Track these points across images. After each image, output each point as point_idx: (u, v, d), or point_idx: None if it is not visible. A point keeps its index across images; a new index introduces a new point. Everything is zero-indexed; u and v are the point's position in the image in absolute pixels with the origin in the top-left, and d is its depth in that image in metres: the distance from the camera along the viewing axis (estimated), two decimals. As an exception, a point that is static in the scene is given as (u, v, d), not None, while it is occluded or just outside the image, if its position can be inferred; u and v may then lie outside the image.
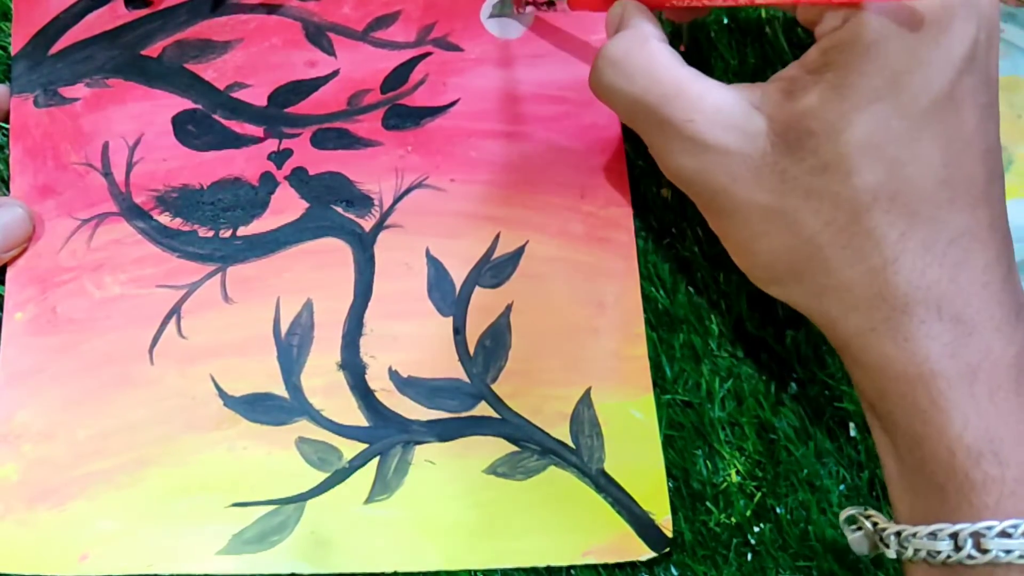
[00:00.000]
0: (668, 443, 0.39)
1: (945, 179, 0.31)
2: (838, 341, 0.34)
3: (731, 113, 0.33)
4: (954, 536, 0.30)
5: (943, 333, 0.31)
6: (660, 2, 0.37)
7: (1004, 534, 0.29)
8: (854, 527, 0.34)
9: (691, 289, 0.41)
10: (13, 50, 0.42)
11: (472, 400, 0.40)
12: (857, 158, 0.31)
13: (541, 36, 0.44)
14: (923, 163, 0.31)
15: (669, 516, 0.38)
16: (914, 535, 0.31)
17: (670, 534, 0.38)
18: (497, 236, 0.42)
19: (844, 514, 0.35)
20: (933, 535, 0.31)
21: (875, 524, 0.34)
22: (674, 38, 0.43)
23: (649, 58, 0.35)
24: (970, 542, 0.30)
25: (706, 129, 0.33)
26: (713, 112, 0.33)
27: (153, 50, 0.43)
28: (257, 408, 0.39)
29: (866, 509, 0.34)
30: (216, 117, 0.42)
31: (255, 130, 0.42)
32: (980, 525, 0.30)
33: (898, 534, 0.32)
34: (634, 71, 0.35)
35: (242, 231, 0.41)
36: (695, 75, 0.34)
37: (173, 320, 0.40)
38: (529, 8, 0.43)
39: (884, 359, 0.32)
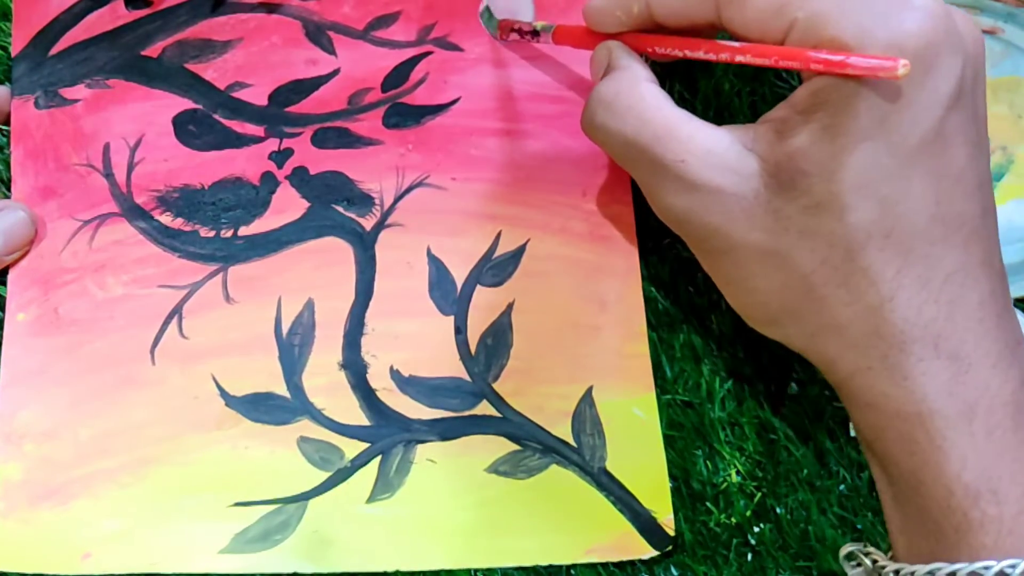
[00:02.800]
0: (668, 443, 0.40)
1: (938, 216, 0.31)
2: (835, 380, 0.34)
3: (723, 154, 0.33)
4: None
5: (941, 371, 0.31)
6: (641, 47, 0.37)
7: (1002, 574, 0.29)
8: (854, 563, 0.35)
9: (691, 289, 0.41)
10: (13, 51, 0.42)
11: (473, 399, 0.40)
12: (850, 197, 0.31)
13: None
14: (915, 200, 0.31)
15: (671, 515, 0.39)
16: (912, 574, 0.31)
17: (672, 533, 0.38)
18: (498, 235, 0.42)
19: (844, 550, 0.35)
20: (931, 574, 0.31)
21: (874, 562, 0.34)
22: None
23: (640, 99, 0.35)
24: None
25: (698, 170, 0.33)
26: (705, 153, 0.33)
27: (153, 50, 0.43)
28: (259, 408, 0.39)
29: (865, 546, 0.34)
30: (217, 117, 0.42)
31: (256, 130, 0.42)
32: (978, 565, 0.29)
33: (896, 572, 0.32)
34: (625, 112, 0.35)
35: (243, 231, 0.41)
36: (686, 116, 0.34)
37: (175, 320, 0.40)
38: (512, 36, 0.43)
39: (881, 397, 0.32)
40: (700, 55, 0.35)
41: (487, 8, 0.44)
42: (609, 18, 0.37)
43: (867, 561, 0.34)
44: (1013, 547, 0.29)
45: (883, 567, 0.33)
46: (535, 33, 0.42)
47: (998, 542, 0.30)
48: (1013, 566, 0.29)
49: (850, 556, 0.35)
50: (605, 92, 0.36)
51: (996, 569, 0.29)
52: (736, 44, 0.33)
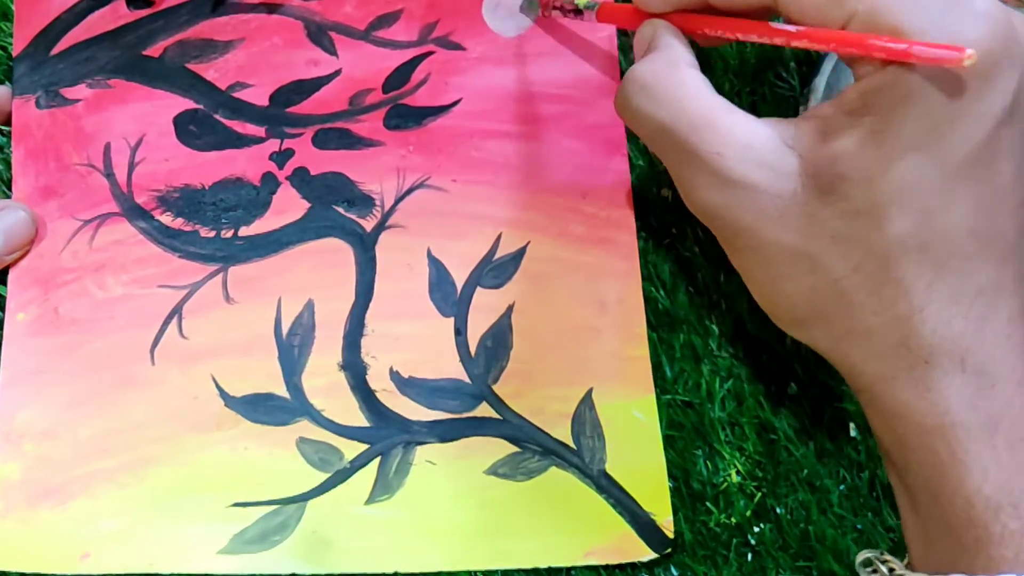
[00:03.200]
0: (668, 443, 0.40)
1: (976, 231, 0.30)
2: (858, 386, 0.33)
3: (762, 149, 0.32)
4: None
5: (965, 385, 0.30)
6: (692, 28, 0.36)
7: None
8: (870, 569, 0.34)
9: (691, 289, 0.41)
10: (14, 51, 0.42)
11: (473, 401, 0.40)
12: (890, 206, 0.30)
13: (543, 34, 0.44)
14: (955, 215, 0.30)
15: (671, 517, 0.38)
16: None
17: (672, 535, 0.38)
18: (499, 236, 0.42)
19: (860, 557, 0.35)
20: None
21: (891, 570, 0.33)
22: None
23: (680, 84, 0.34)
24: None
25: (735, 164, 0.32)
26: (743, 147, 0.32)
27: (154, 50, 0.43)
28: (258, 408, 0.39)
29: (882, 554, 0.34)
30: (218, 117, 0.42)
31: (257, 130, 0.42)
32: None
33: None
34: (663, 97, 0.34)
35: (244, 231, 0.41)
36: (727, 106, 0.33)
37: (174, 320, 0.40)
38: (555, 13, 0.42)
39: (904, 408, 0.31)
40: (753, 38, 0.34)
41: None
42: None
43: (884, 568, 0.33)
44: None
45: (900, 575, 0.33)
46: (578, 11, 0.41)
47: (1019, 556, 0.29)
48: None
49: (867, 563, 0.34)
50: (643, 73, 0.34)
51: None
52: (792, 28, 0.32)
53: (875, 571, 0.34)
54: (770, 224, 0.32)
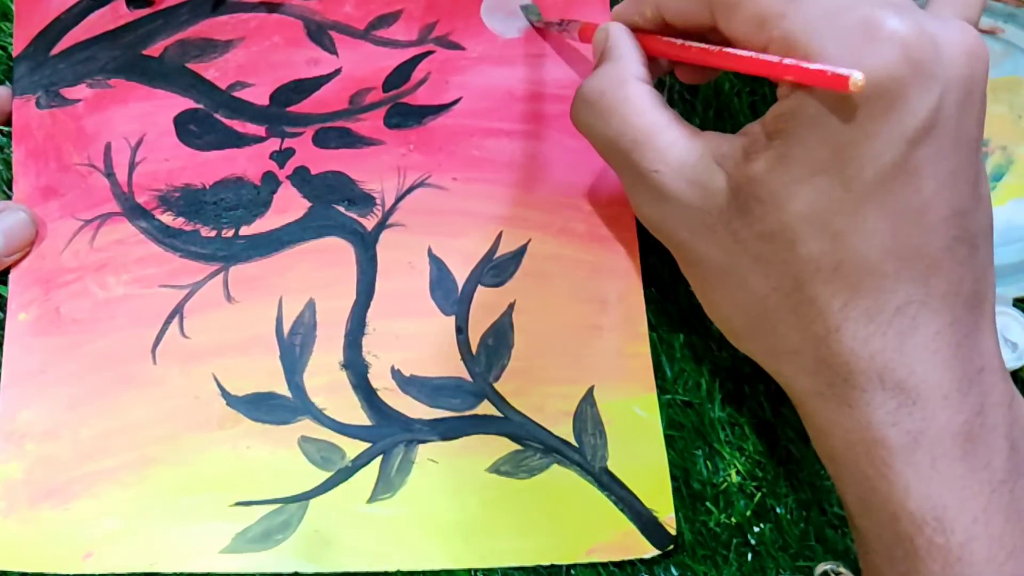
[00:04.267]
0: (668, 443, 0.40)
1: (892, 250, 0.30)
2: (793, 401, 0.34)
3: (695, 167, 0.33)
4: None
5: (885, 402, 0.30)
6: (648, 49, 0.37)
7: None
8: None
9: (691, 289, 0.41)
10: (15, 51, 0.42)
11: (475, 399, 0.40)
12: (800, 228, 0.30)
13: (542, 35, 0.44)
14: (868, 235, 0.30)
15: (673, 514, 0.39)
16: None
17: (674, 532, 0.38)
18: (499, 235, 0.42)
19: (819, 569, 0.35)
20: None
21: None
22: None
23: (623, 101, 0.35)
24: None
25: (670, 181, 0.33)
26: (679, 164, 0.33)
27: (155, 50, 0.43)
28: (260, 407, 0.39)
29: (838, 566, 0.35)
30: (218, 116, 0.42)
31: (257, 129, 0.42)
32: None
33: None
34: (609, 113, 0.35)
35: (244, 231, 0.41)
36: (667, 122, 0.34)
37: (176, 320, 0.40)
38: (554, 28, 0.43)
39: (830, 424, 0.32)
40: (692, 59, 0.35)
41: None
42: (630, 20, 0.37)
43: None
44: (962, 574, 0.29)
45: None
46: (561, 24, 0.42)
47: (946, 569, 0.30)
48: None
49: (824, 574, 0.35)
50: (590, 91, 0.36)
51: None
52: (721, 50, 0.33)
53: None
54: (702, 240, 0.33)
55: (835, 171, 0.30)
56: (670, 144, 0.33)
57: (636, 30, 0.37)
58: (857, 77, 0.28)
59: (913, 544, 0.30)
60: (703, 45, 0.34)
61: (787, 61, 0.30)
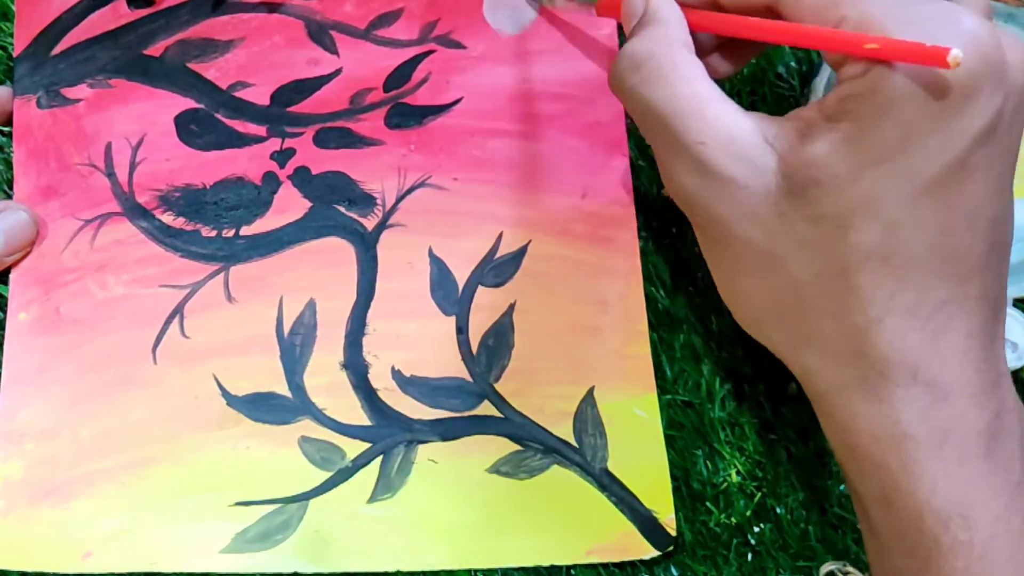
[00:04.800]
0: (668, 443, 0.40)
1: (940, 246, 0.30)
2: (812, 393, 0.33)
3: (744, 144, 0.32)
4: None
5: (917, 397, 0.30)
6: (692, 26, 0.35)
7: None
8: None
9: (691, 289, 0.41)
10: (15, 51, 0.42)
11: (475, 399, 0.40)
12: (856, 215, 0.30)
13: (545, 31, 0.44)
14: (921, 229, 0.30)
15: (673, 515, 0.39)
16: None
17: (674, 533, 0.38)
18: (500, 235, 0.42)
19: (824, 568, 0.35)
20: None
21: None
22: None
23: (672, 67, 0.33)
24: None
25: (716, 155, 0.32)
26: (726, 139, 0.32)
27: (155, 50, 0.43)
28: (260, 407, 0.39)
29: (845, 565, 0.34)
30: (218, 116, 0.42)
31: (258, 129, 0.42)
32: None
33: None
34: (656, 78, 0.33)
35: (245, 231, 0.41)
36: (715, 95, 0.33)
37: (176, 320, 0.40)
38: (558, 2, 0.42)
39: (856, 417, 0.31)
40: (751, 33, 0.34)
41: None
42: None
43: None
44: (984, 572, 0.29)
45: None
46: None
47: (969, 567, 0.29)
48: None
49: (830, 574, 0.35)
50: (638, 51, 0.34)
51: None
52: (788, 24, 0.32)
53: None
54: (742, 219, 0.32)
55: (901, 159, 0.29)
56: (717, 117, 0.32)
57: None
58: (957, 53, 0.27)
59: (937, 541, 0.30)
60: (762, 20, 0.33)
61: (872, 35, 0.29)
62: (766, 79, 0.43)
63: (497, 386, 0.40)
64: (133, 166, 0.42)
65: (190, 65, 0.43)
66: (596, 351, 0.40)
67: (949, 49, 0.27)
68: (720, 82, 0.42)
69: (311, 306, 0.41)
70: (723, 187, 0.32)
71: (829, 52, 0.31)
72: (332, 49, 0.43)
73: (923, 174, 0.29)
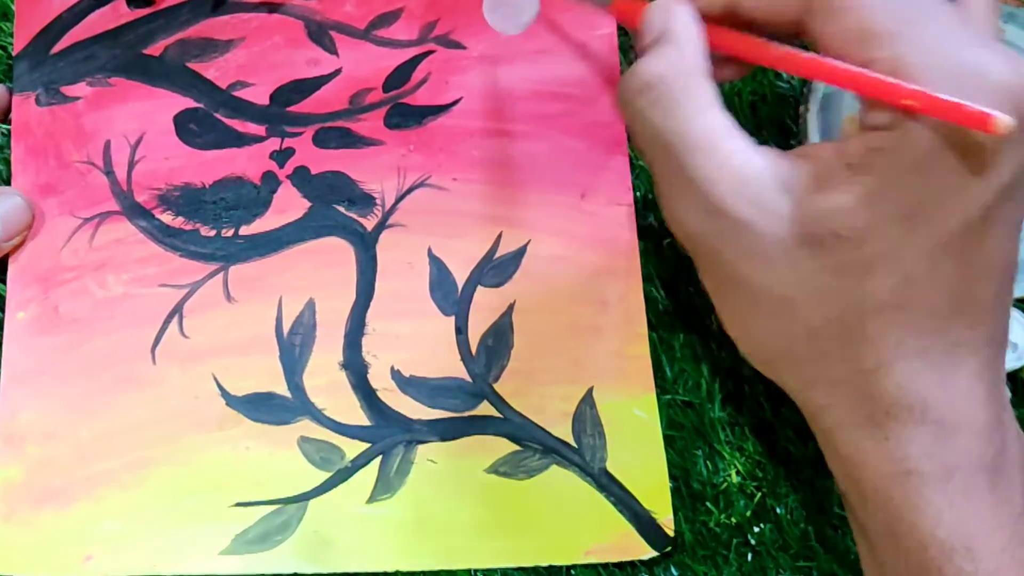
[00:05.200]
0: (668, 443, 0.40)
1: (953, 295, 0.30)
2: (818, 429, 0.33)
3: (757, 187, 0.30)
4: None
5: (924, 435, 0.30)
6: (712, 45, 0.33)
7: None
8: None
9: (691, 289, 0.41)
10: (15, 50, 0.42)
11: (474, 399, 0.40)
12: (874, 266, 0.29)
13: (544, 32, 0.44)
14: (938, 281, 0.29)
15: (671, 515, 0.39)
16: None
17: (672, 533, 0.38)
18: (499, 235, 0.42)
19: None
20: None
21: None
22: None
23: (687, 94, 0.31)
24: None
25: (727, 195, 0.30)
26: (739, 181, 0.30)
27: (155, 49, 0.43)
28: (259, 408, 0.39)
29: None
30: (218, 116, 0.42)
31: (257, 129, 0.42)
32: None
33: None
34: (668, 104, 0.31)
35: (244, 230, 0.41)
36: (729, 128, 0.31)
37: (175, 319, 0.40)
38: None
39: (862, 454, 0.31)
40: (774, 63, 0.32)
41: None
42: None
43: None
44: None
45: None
46: None
47: None
48: None
49: None
50: (651, 73, 0.32)
51: None
52: (818, 58, 0.30)
53: None
54: (752, 263, 0.31)
55: (923, 216, 0.29)
56: (730, 154, 0.30)
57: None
58: (1006, 120, 0.26)
59: (941, 572, 0.30)
60: (791, 48, 0.31)
61: (912, 87, 0.27)
62: (766, 79, 0.43)
63: (496, 386, 0.40)
64: (132, 165, 0.42)
65: (190, 64, 0.43)
66: (595, 351, 0.40)
67: (993, 115, 0.26)
68: (720, 85, 0.42)
69: (310, 306, 0.41)
70: (732, 229, 0.31)
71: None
72: (332, 49, 0.43)
73: (945, 229, 0.29)
